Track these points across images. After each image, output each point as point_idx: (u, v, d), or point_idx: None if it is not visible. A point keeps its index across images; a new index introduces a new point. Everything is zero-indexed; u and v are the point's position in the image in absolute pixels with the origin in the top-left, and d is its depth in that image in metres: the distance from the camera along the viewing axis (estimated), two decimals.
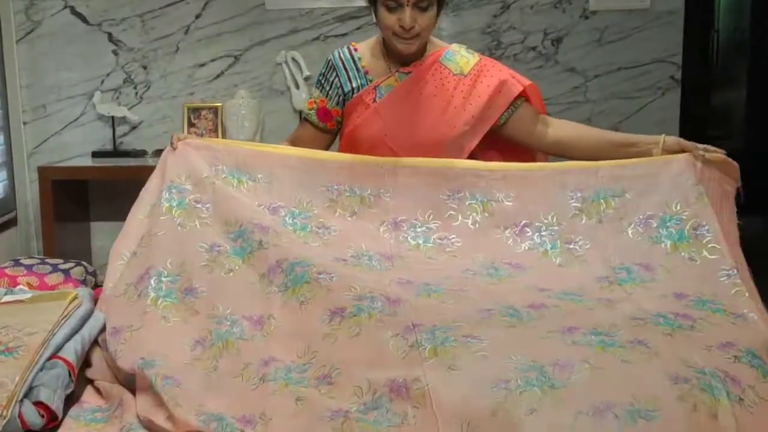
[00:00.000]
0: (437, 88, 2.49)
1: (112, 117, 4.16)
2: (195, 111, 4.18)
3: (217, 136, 4.15)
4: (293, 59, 4.18)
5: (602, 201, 2.26)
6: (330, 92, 2.57)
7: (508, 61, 4.08)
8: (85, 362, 2.04)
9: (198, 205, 2.28)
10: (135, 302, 2.09)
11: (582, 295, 2.03)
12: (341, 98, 2.56)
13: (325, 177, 2.37)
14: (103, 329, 2.07)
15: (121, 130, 4.24)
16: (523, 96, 2.53)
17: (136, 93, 4.25)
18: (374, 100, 2.51)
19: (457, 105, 2.48)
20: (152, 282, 2.11)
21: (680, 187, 2.21)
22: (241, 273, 2.16)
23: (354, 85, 2.54)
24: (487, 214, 2.29)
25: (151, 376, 1.87)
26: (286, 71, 4.19)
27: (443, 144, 2.47)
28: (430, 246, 2.28)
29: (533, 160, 2.59)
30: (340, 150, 2.58)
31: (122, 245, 2.27)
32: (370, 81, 2.53)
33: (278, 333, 2.02)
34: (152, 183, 2.39)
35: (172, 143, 2.41)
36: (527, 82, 2.55)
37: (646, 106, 4.15)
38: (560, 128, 2.52)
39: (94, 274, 2.74)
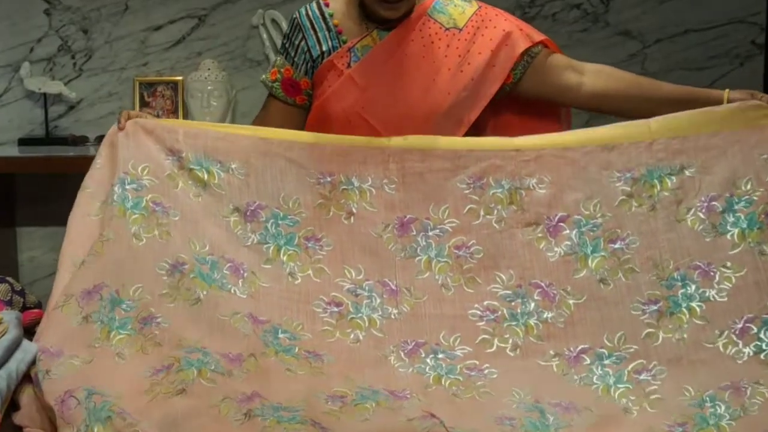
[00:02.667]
0: (425, 47, 2.50)
1: (44, 94, 4.11)
2: (149, 87, 4.15)
3: (177, 118, 4.13)
4: (273, 20, 4.15)
5: (656, 181, 2.29)
6: (296, 59, 2.59)
7: (544, 22, 4.05)
8: (12, 404, 2.02)
9: (158, 209, 2.31)
10: (81, 326, 2.12)
11: (619, 379, 2.13)
12: (310, 65, 2.58)
13: (314, 165, 2.38)
14: (35, 362, 2.06)
15: (55, 110, 4.20)
16: (540, 43, 2.53)
17: (75, 64, 4.20)
18: (348, 65, 2.53)
19: (452, 66, 2.49)
20: (103, 308, 2.14)
21: (753, 160, 2.25)
22: (211, 303, 2.22)
23: (324, 48, 2.56)
24: (514, 207, 2.33)
25: (90, 406, 1.90)
26: (264, 36, 4.17)
27: (436, 116, 2.48)
28: (444, 262, 2.32)
29: (557, 117, 2.64)
30: (307, 129, 2.58)
31: (72, 250, 2.27)
32: (344, 42, 2.55)
33: (263, 376, 2.09)
34: (99, 171, 2.38)
35: (119, 122, 2.41)
36: (541, 36, 2.55)
37: (720, 79, 4.08)
38: (598, 77, 2.51)
39: (22, 293, 2.70)
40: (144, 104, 4.14)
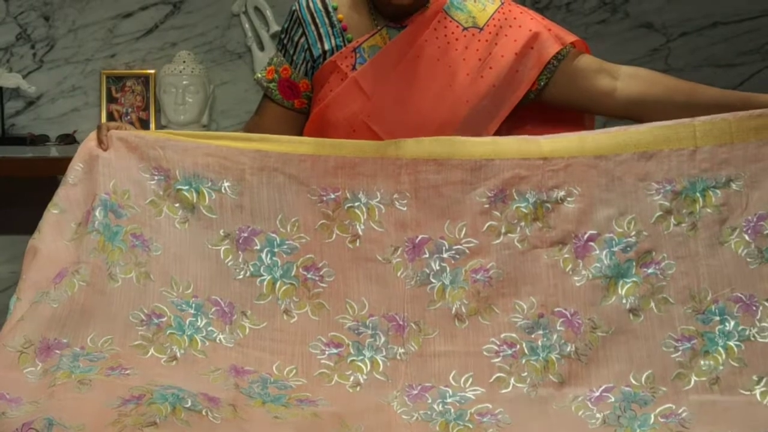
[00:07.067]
0: (441, 48, 2.49)
1: (0, 88, 4.11)
2: (117, 81, 4.18)
3: (148, 115, 4.15)
4: (256, 8, 4.19)
5: (699, 195, 2.27)
6: (295, 57, 2.57)
7: (558, 12, 4.10)
8: None
9: (137, 243, 2.30)
10: (38, 379, 2.11)
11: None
12: (310, 65, 2.56)
13: (317, 180, 2.35)
14: None
15: (12, 106, 4.21)
16: (570, 44, 2.52)
17: (35, 55, 4.22)
18: (353, 67, 2.51)
19: (471, 71, 2.48)
20: (64, 360, 2.14)
21: None
22: (188, 361, 2.22)
23: (327, 46, 2.54)
24: (539, 224, 2.31)
25: None
26: (246, 25, 4.21)
27: (451, 127, 2.45)
28: (460, 288, 2.30)
29: (581, 127, 2.59)
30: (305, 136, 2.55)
31: (39, 278, 2.24)
32: (349, 40, 2.53)
33: (244, 422, 2.05)
34: (73, 189, 2.34)
35: (100, 139, 2.37)
36: (572, 37, 2.54)
37: (751, 78, 4.18)
38: (633, 81, 2.49)
39: None
40: (111, 100, 4.18)
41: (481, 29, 2.50)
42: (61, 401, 2.03)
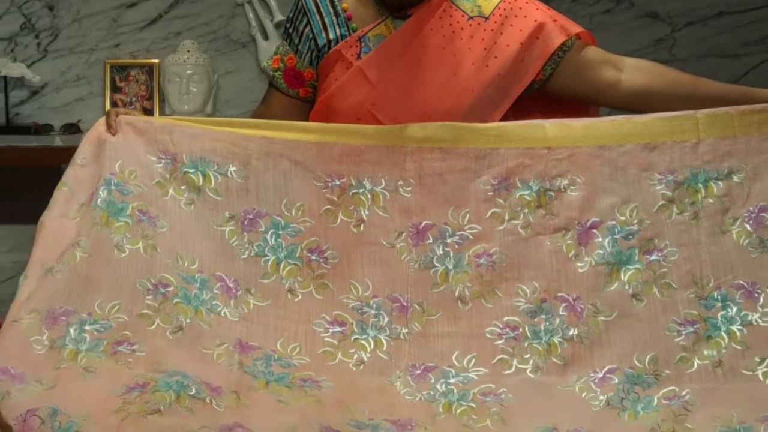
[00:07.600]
0: (446, 37, 2.49)
1: (5, 78, 4.14)
2: (121, 70, 4.21)
3: (152, 105, 4.15)
4: None
5: (701, 186, 2.29)
6: (300, 47, 2.58)
7: (563, 2, 4.09)
8: None
9: (143, 218, 2.31)
10: (46, 354, 2.12)
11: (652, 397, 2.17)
12: (315, 54, 2.57)
13: (322, 167, 2.37)
14: None
15: (17, 96, 4.22)
16: (575, 35, 2.52)
17: (39, 44, 4.24)
18: (358, 56, 2.51)
19: (476, 60, 2.48)
20: (71, 331, 2.15)
21: None
22: (194, 332, 2.23)
23: (332, 36, 2.54)
24: (542, 212, 2.32)
25: (56, 425, 1.93)
26: (250, 14, 4.25)
27: (456, 116, 2.45)
28: (463, 272, 2.32)
29: (585, 116, 2.59)
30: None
31: (44, 256, 2.26)
32: (354, 30, 2.54)
33: (248, 409, 2.07)
34: (81, 169, 2.37)
35: (109, 124, 2.39)
36: (578, 28, 2.53)
37: (756, 68, 4.21)
38: (637, 73, 2.49)
39: None
40: (116, 89, 4.19)
41: (487, 18, 2.50)
42: (66, 390, 2.04)
